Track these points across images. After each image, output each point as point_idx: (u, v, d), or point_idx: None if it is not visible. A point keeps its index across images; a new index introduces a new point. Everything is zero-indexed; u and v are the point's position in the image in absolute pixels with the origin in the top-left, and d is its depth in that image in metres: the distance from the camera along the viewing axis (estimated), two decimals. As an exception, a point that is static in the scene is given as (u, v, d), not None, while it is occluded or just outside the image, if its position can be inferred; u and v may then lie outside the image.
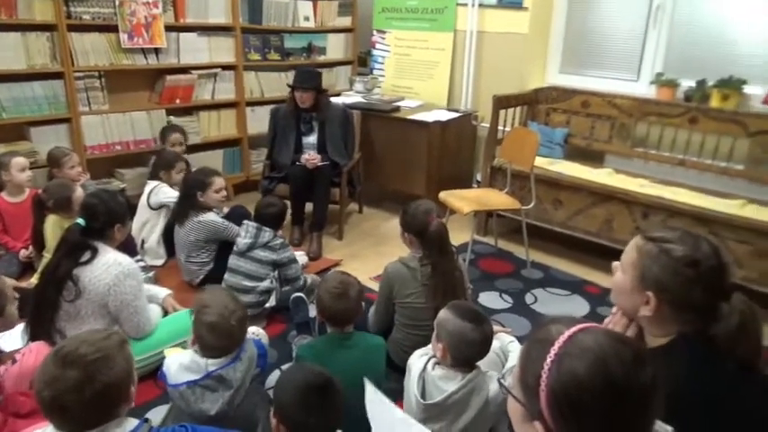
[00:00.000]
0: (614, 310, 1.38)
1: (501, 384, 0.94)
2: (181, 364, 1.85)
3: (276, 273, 2.80)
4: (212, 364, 1.82)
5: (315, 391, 1.48)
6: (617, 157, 3.79)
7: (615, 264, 1.36)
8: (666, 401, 0.83)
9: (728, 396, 1.13)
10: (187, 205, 3.02)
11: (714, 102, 3.37)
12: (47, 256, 2.92)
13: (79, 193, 2.90)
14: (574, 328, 0.86)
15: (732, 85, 3.31)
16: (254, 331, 2.28)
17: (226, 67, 4.33)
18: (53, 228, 2.91)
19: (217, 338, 1.81)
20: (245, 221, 2.84)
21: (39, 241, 2.98)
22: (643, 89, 3.78)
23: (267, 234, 2.76)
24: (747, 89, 3.32)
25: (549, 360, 0.83)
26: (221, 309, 1.82)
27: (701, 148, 3.44)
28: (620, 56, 3.91)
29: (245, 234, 2.77)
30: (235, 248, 2.79)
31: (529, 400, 0.86)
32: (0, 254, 3.19)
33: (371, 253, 3.66)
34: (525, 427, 0.88)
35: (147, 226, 3.33)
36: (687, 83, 3.53)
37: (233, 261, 2.78)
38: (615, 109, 3.74)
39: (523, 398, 0.87)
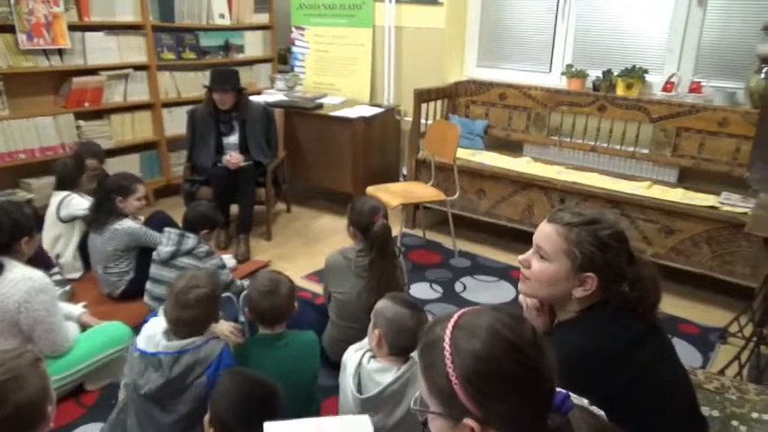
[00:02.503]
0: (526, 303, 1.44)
1: (415, 410, 0.94)
2: (147, 334, 1.82)
3: None
4: (163, 346, 1.77)
5: (257, 404, 1.44)
6: (534, 146, 3.95)
7: (523, 257, 1.38)
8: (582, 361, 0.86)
9: (635, 350, 1.25)
10: (104, 212, 2.87)
11: (619, 90, 3.58)
12: None
13: None
14: (454, 317, 0.89)
15: (635, 75, 3.52)
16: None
17: (138, 68, 4.14)
18: None
19: (172, 307, 1.80)
20: (167, 228, 2.72)
21: None
22: (555, 80, 3.96)
23: (191, 241, 2.65)
24: (648, 78, 3.55)
25: (447, 354, 0.85)
26: (188, 280, 1.82)
27: (609, 134, 3.64)
28: (533, 49, 4.07)
29: (166, 241, 2.65)
30: (155, 257, 2.66)
31: (450, 406, 0.86)
32: None
33: (302, 252, 3.63)
34: None
35: (60, 240, 3.13)
36: (595, 73, 3.73)
37: (155, 270, 2.65)
38: (530, 100, 3.90)
39: (443, 408, 0.87)
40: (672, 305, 2.94)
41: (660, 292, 1.31)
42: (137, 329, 1.96)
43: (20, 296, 2.01)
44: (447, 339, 0.86)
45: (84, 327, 2.40)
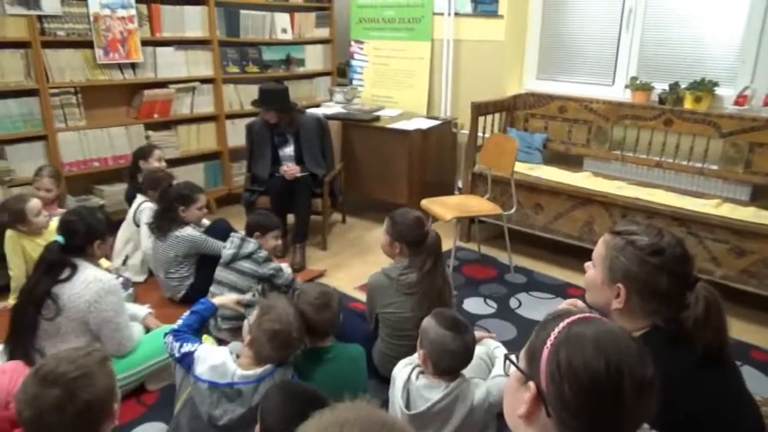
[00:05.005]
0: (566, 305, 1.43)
1: (509, 360, 0.95)
2: (212, 364, 1.79)
3: (260, 287, 2.77)
4: (240, 377, 1.76)
5: (308, 417, 1.44)
6: (595, 160, 3.84)
7: (588, 263, 1.40)
8: None
9: (689, 384, 1.18)
10: (167, 219, 2.99)
11: (687, 104, 3.44)
12: (12, 272, 2.89)
13: (32, 204, 2.85)
14: (592, 315, 0.91)
15: (704, 88, 3.38)
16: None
17: (204, 81, 4.32)
18: (11, 243, 2.87)
19: (276, 348, 1.78)
20: (233, 233, 2.83)
21: (1, 258, 2.93)
22: (618, 93, 3.85)
23: (251, 245, 2.73)
24: (719, 91, 3.40)
25: (562, 325, 0.86)
26: (285, 317, 1.80)
27: (676, 149, 3.50)
28: (595, 61, 3.98)
29: (230, 245, 2.75)
30: (221, 260, 2.77)
31: (529, 367, 0.88)
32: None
33: (356, 262, 3.66)
34: (519, 392, 0.88)
35: (130, 243, 3.28)
36: (661, 86, 3.60)
37: (218, 272, 2.75)
38: (592, 113, 3.80)
39: (525, 366, 0.89)
40: (742, 330, 2.78)
41: (722, 321, 1.23)
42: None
43: (90, 296, 2.11)
44: (566, 324, 0.87)
45: (146, 329, 2.50)
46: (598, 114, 3.78)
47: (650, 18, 3.68)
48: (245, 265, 2.71)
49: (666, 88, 3.55)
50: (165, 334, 2.00)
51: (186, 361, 1.86)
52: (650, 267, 1.24)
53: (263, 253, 2.76)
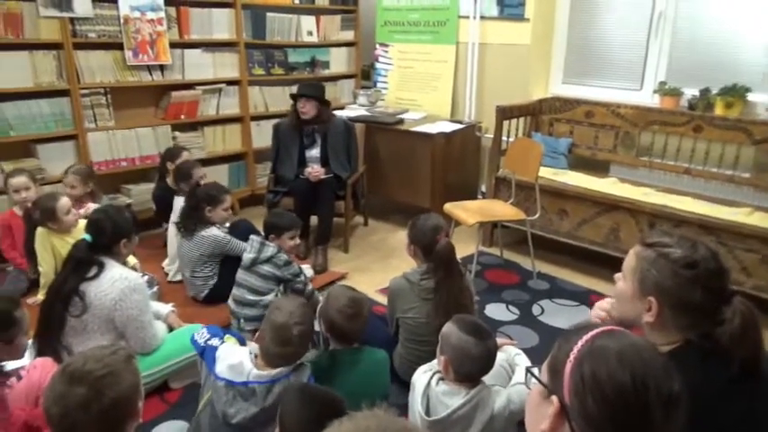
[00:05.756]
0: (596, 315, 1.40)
1: (531, 373, 0.94)
2: (229, 363, 1.81)
3: (281, 287, 2.79)
4: (255, 376, 1.78)
5: (325, 421, 1.44)
6: (621, 166, 3.78)
7: (617, 275, 1.37)
8: None
9: (722, 400, 1.14)
10: (193, 219, 3.02)
11: (718, 110, 3.36)
12: (42, 269, 2.96)
13: (62, 202, 2.91)
14: (617, 328, 0.89)
15: (736, 93, 3.31)
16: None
17: (230, 83, 4.37)
18: (41, 240, 2.94)
19: (273, 342, 1.78)
20: (252, 236, 2.84)
21: (32, 254, 3.00)
22: (647, 98, 3.78)
23: (271, 249, 2.74)
24: (751, 96, 3.31)
25: (585, 338, 0.85)
26: (288, 315, 1.80)
27: (706, 156, 3.43)
28: (623, 65, 3.92)
29: (250, 248, 2.77)
30: (242, 262, 2.79)
31: (552, 381, 0.87)
32: (8, 270, 3.21)
33: (378, 266, 3.66)
34: (541, 407, 0.87)
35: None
36: (690, 91, 3.53)
37: (239, 275, 2.77)
38: (619, 118, 3.75)
39: (548, 380, 0.88)
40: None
41: (759, 336, 1.19)
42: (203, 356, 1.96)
43: (116, 294, 2.15)
44: (597, 331, 0.86)
45: (169, 327, 2.54)
46: (625, 120, 3.72)
47: (681, 22, 3.61)
48: (266, 268, 2.72)
49: (696, 94, 3.48)
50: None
51: (208, 354, 1.89)
52: (683, 281, 1.20)
53: (284, 256, 2.76)
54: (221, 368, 1.82)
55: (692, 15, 3.57)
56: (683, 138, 3.50)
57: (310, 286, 2.90)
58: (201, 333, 1.97)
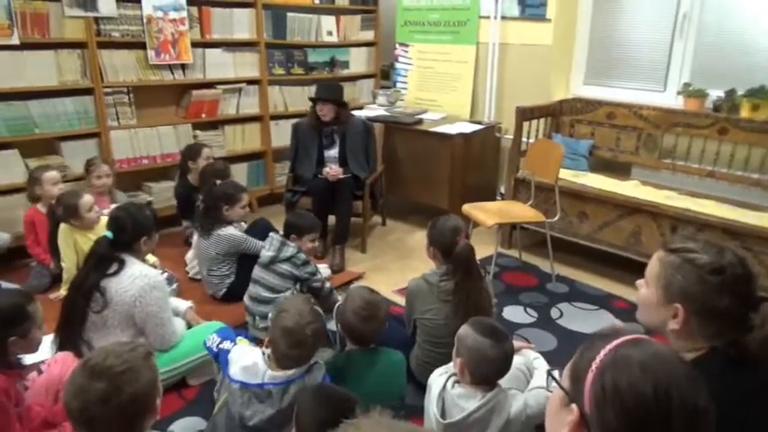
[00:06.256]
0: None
1: (552, 377, 0.92)
2: (243, 365, 1.80)
3: (297, 286, 2.80)
4: (270, 377, 1.77)
5: (340, 421, 1.43)
6: (644, 168, 3.73)
7: (639, 281, 1.35)
8: None
9: (747, 409, 1.11)
10: (212, 218, 3.04)
11: (744, 112, 3.29)
12: (64, 264, 3.01)
13: (85, 200, 2.95)
14: (642, 337, 0.87)
15: (763, 95, 3.23)
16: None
17: (250, 82, 4.39)
18: (64, 236, 2.99)
19: (288, 345, 1.76)
20: (271, 234, 2.85)
21: (55, 250, 3.05)
22: (670, 100, 3.72)
23: (291, 249, 2.75)
24: (779, 99, 3.24)
25: (608, 347, 0.83)
26: (298, 316, 1.78)
27: (731, 159, 3.36)
28: (646, 66, 3.86)
29: (269, 246, 2.78)
30: (259, 260, 2.80)
31: (573, 388, 0.85)
32: (32, 265, 3.27)
33: (395, 266, 3.65)
34: (561, 414, 0.86)
35: None
36: (716, 93, 3.46)
37: (256, 272, 2.79)
38: (641, 120, 3.69)
39: (569, 386, 0.87)
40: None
41: None
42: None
43: (136, 291, 2.17)
44: (612, 347, 0.83)
45: (188, 324, 2.56)
46: (648, 121, 3.66)
47: (706, 22, 3.54)
48: (284, 267, 2.73)
49: (722, 95, 3.41)
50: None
51: (222, 358, 1.88)
52: (710, 287, 1.18)
53: (302, 256, 2.77)
54: (235, 370, 1.82)
55: (717, 15, 3.50)
56: (708, 140, 3.43)
57: (328, 284, 2.90)
58: (212, 338, 1.97)
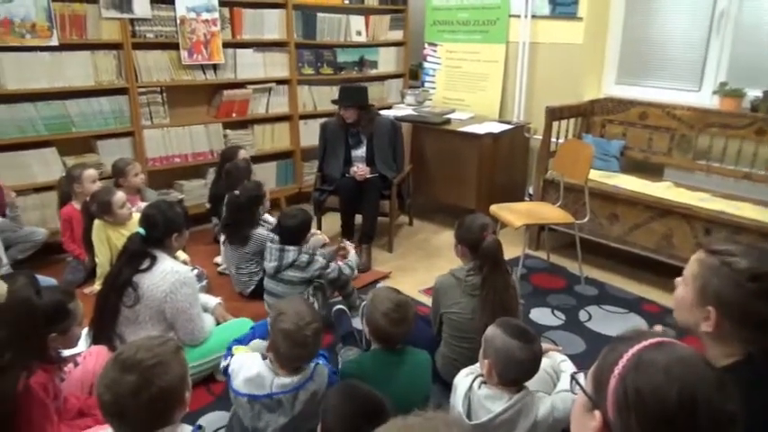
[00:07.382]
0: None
1: (575, 380, 0.91)
2: (246, 377, 1.80)
3: (311, 289, 2.79)
4: (278, 386, 1.77)
5: (366, 419, 1.44)
6: (677, 170, 3.65)
7: (678, 279, 1.32)
8: None
9: None
10: (245, 221, 3.08)
11: (783, 112, 3.20)
12: (98, 259, 3.09)
13: (118, 197, 3.02)
14: (667, 340, 0.84)
15: (803, 95, 3.14)
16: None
17: (280, 82, 4.44)
18: (98, 232, 3.07)
19: (290, 347, 1.76)
20: (269, 245, 2.82)
21: (89, 245, 3.13)
22: (705, 100, 3.63)
23: (291, 254, 2.72)
24: (820, 99, 3.14)
25: (632, 351, 0.81)
26: (297, 317, 1.77)
27: (768, 160, 3.27)
28: (681, 65, 3.77)
29: (269, 257, 2.77)
30: (266, 271, 2.81)
31: (596, 393, 0.84)
32: (68, 260, 3.36)
33: (421, 266, 3.65)
34: (585, 419, 0.85)
35: None
36: (753, 92, 3.37)
37: (267, 283, 2.81)
38: (675, 120, 3.61)
39: (592, 391, 0.85)
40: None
41: None
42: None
43: (167, 287, 2.22)
44: (644, 344, 0.82)
45: (216, 320, 2.60)
46: (682, 122, 3.58)
47: (744, 20, 3.45)
48: (290, 274, 2.73)
49: (760, 95, 3.32)
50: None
51: (228, 374, 1.90)
52: (747, 293, 1.14)
53: (304, 257, 2.73)
54: (238, 383, 1.81)
55: (756, 12, 3.41)
56: (744, 141, 3.34)
57: (347, 269, 2.86)
58: (224, 358, 1.99)
